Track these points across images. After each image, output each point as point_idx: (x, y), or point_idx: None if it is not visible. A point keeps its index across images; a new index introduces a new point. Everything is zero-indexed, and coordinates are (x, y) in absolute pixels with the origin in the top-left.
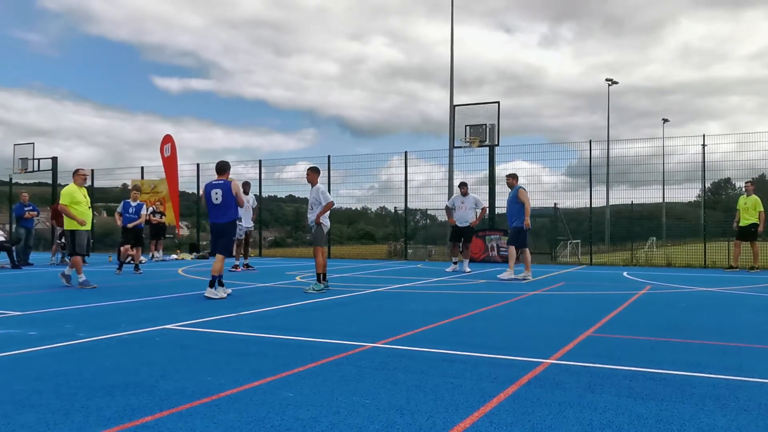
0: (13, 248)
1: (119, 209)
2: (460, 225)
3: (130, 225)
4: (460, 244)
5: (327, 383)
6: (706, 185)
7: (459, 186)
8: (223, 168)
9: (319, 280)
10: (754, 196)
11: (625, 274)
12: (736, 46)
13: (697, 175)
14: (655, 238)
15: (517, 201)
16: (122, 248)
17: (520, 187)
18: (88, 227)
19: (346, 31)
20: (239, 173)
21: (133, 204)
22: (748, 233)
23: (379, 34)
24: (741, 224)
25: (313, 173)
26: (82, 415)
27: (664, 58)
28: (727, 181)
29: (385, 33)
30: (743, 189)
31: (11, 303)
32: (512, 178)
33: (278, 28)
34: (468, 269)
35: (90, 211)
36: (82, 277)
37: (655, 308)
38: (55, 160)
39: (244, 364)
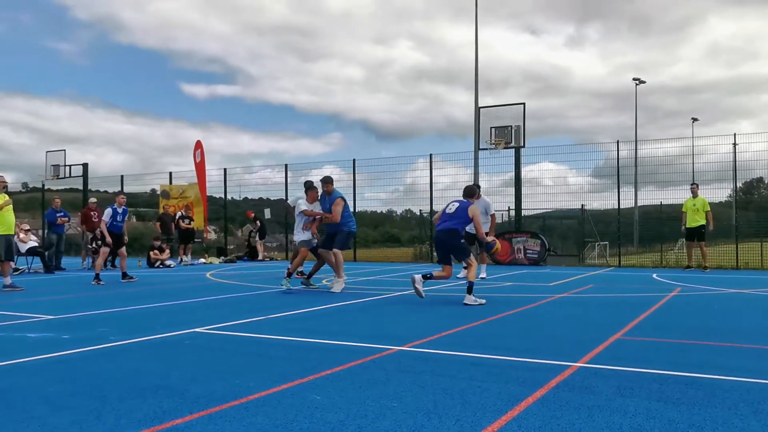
0: (46, 253)
1: (106, 217)
2: (471, 232)
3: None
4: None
5: (354, 386)
6: (738, 185)
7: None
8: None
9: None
10: (702, 197)
11: (654, 276)
12: (767, 44)
13: (728, 175)
14: (685, 240)
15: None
16: (151, 253)
17: (340, 195)
18: (11, 231)
19: (371, 35)
20: (266, 177)
21: (120, 210)
22: (698, 234)
23: (403, 37)
24: (689, 226)
25: (322, 187)
26: (113, 417)
27: (692, 57)
28: (760, 180)
29: (409, 36)
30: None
31: (45, 307)
32: (330, 184)
33: (304, 34)
34: (484, 275)
35: (12, 216)
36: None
37: (685, 310)
38: (85, 166)
39: (272, 367)
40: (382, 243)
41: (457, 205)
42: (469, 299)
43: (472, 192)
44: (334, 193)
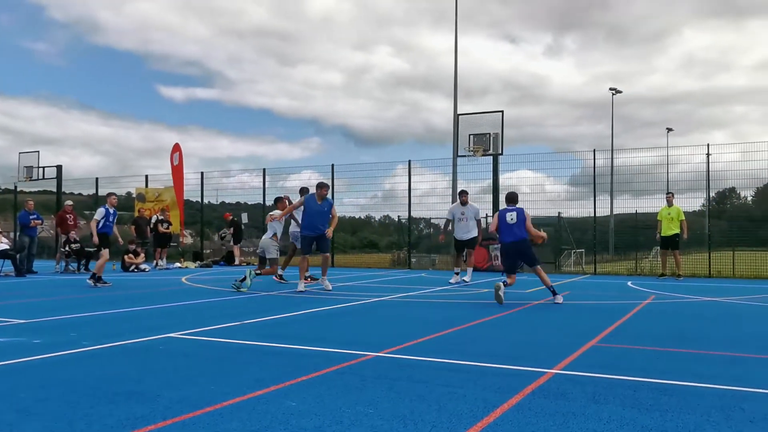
0: (17, 256)
1: (99, 216)
2: (461, 238)
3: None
4: (464, 254)
5: (330, 392)
6: (711, 194)
7: (459, 194)
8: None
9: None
10: (677, 206)
11: (629, 283)
12: (740, 56)
13: (701, 185)
14: (659, 248)
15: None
16: (126, 257)
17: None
18: None
19: (351, 41)
20: (244, 181)
21: (111, 211)
22: (672, 242)
23: (384, 44)
24: (664, 234)
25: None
26: (85, 424)
27: (667, 68)
28: (732, 190)
29: (390, 43)
30: (665, 200)
31: (16, 311)
32: (325, 189)
33: (284, 38)
34: (467, 279)
35: None
36: None
37: (659, 318)
38: (59, 168)
39: (247, 373)
40: (360, 249)
41: (515, 213)
42: (559, 299)
43: (516, 198)
44: (327, 198)
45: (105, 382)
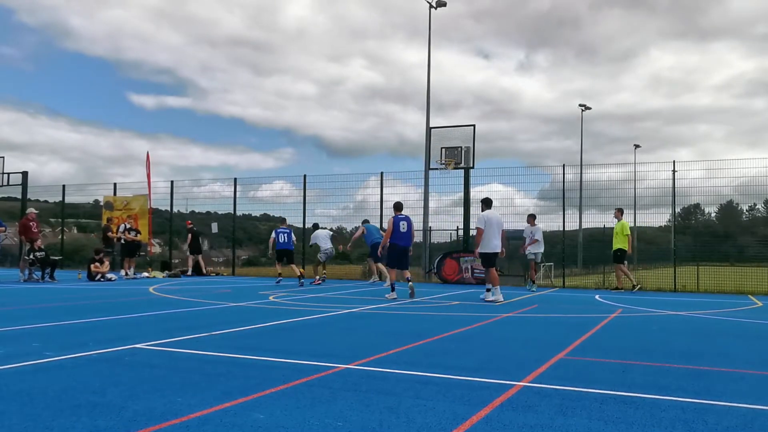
0: None
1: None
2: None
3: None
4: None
5: (299, 405)
6: (676, 210)
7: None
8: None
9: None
10: (622, 221)
11: (597, 297)
12: (704, 77)
13: (667, 201)
14: (626, 262)
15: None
16: (92, 266)
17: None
18: None
19: (325, 52)
20: (214, 191)
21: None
22: (615, 256)
23: (357, 56)
24: (613, 249)
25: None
26: None
27: (635, 87)
28: (697, 206)
29: (363, 56)
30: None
31: None
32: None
33: (257, 48)
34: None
35: None
36: None
37: (626, 331)
38: (25, 174)
39: (215, 385)
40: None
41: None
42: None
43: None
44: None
45: (67, 394)
